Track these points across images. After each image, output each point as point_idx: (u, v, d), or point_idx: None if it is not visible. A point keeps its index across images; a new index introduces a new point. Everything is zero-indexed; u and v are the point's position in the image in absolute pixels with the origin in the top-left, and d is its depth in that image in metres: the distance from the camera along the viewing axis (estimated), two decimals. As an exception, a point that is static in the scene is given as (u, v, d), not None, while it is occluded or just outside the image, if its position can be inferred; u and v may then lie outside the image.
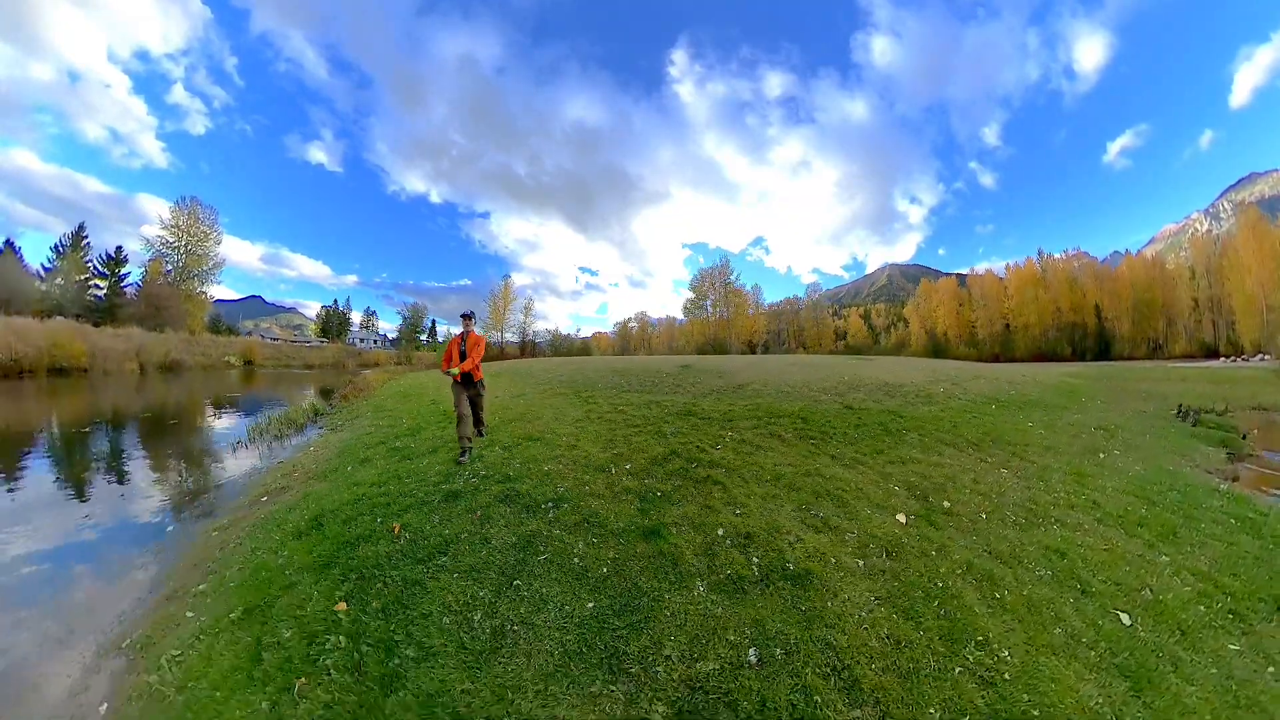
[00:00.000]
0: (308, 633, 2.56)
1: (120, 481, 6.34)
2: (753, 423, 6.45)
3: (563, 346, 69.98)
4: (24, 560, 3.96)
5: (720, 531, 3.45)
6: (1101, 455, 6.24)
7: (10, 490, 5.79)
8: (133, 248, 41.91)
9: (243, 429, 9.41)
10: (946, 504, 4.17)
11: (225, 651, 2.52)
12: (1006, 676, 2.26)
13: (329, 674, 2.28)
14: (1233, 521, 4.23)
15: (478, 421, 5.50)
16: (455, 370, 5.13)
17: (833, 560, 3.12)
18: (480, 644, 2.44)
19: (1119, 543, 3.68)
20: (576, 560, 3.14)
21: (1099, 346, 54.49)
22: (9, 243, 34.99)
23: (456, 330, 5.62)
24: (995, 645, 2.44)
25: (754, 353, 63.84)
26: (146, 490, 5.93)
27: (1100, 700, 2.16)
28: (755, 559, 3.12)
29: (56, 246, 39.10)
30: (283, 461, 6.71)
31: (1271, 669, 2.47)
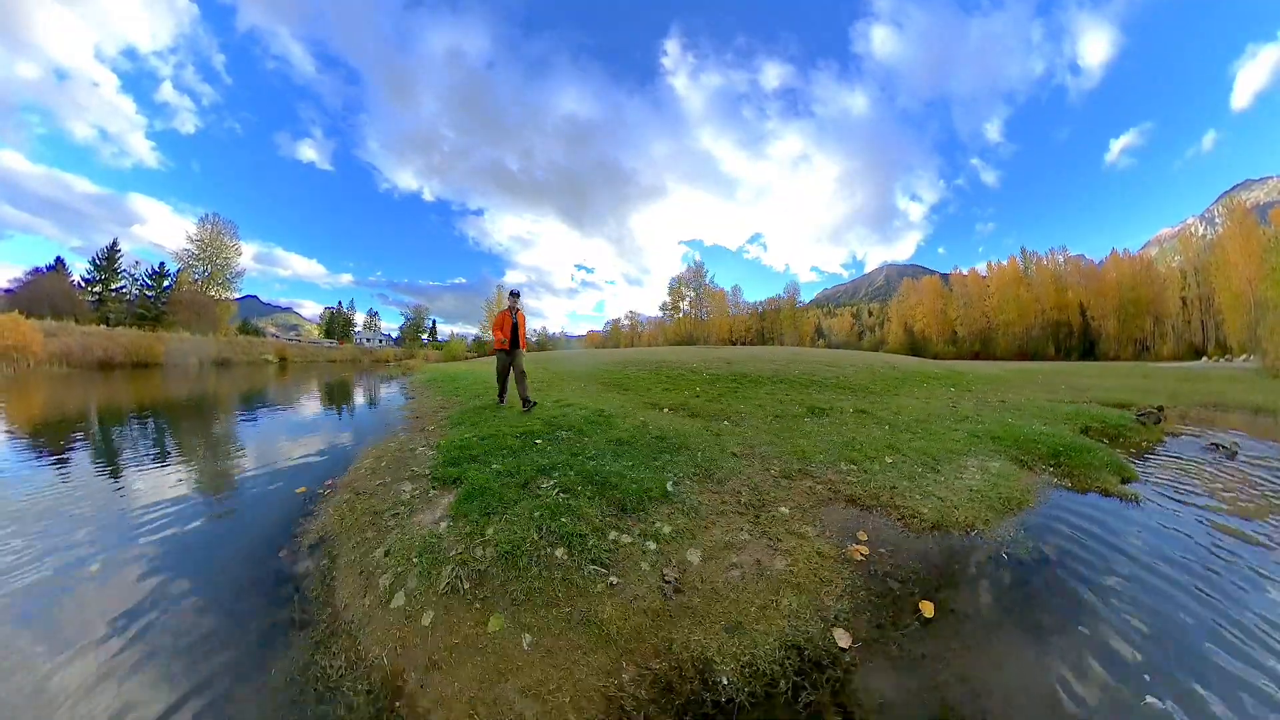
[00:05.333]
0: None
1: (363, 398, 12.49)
2: (557, 369, 14.21)
3: (550, 345, 72.09)
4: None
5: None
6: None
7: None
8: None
9: (364, 382, 17.01)
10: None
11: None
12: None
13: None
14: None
15: (520, 377, 6.62)
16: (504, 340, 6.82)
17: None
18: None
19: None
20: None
21: (1084, 346, 54.69)
22: (59, 260, 38.69)
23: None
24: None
25: (733, 346, 66.40)
26: (368, 396, 12.79)
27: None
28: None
29: (94, 259, 42.95)
30: (408, 381, 15.45)
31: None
